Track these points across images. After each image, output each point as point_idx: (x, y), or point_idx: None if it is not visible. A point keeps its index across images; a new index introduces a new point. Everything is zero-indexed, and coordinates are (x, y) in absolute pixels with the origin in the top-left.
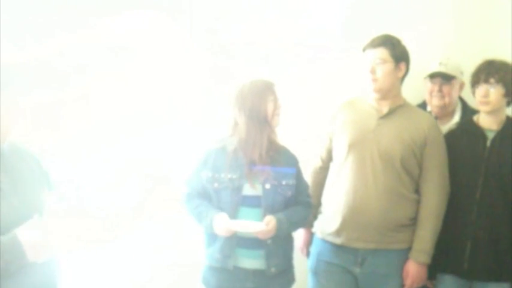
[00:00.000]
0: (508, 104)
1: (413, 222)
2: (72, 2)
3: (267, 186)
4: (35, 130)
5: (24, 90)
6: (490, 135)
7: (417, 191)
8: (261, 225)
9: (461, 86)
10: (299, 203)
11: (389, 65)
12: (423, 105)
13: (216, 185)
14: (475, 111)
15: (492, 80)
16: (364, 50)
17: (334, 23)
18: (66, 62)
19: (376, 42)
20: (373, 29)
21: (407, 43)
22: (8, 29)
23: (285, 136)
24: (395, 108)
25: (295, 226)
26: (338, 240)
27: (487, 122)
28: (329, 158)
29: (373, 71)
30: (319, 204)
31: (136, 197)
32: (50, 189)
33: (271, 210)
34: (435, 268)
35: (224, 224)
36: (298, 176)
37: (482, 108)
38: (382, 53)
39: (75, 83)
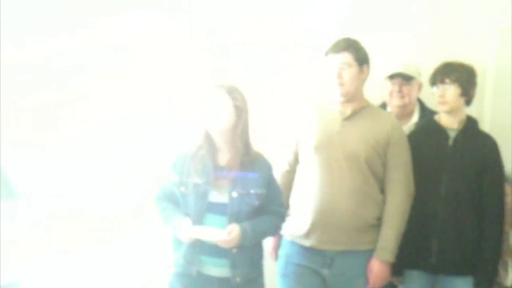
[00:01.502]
0: (467, 103)
1: (380, 222)
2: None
3: (234, 194)
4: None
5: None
6: (452, 134)
7: (383, 190)
8: (223, 233)
9: (420, 86)
10: (269, 213)
11: (354, 69)
12: (383, 107)
13: (182, 189)
14: (432, 112)
15: (448, 80)
16: (326, 54)
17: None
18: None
19: (340, 47)
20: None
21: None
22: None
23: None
24: (359, 109)
25: (262, 236)
26: (307, 243)
27: (448, 122)
28: (296, 161)
29: (339, 76)
30: (287, 207)
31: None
32: (13, 197)
33: (236, 218)
34: (402, 265)
35: (186, 230)
36: (270, 184)
37: (440, 108)
38: (347, 57)
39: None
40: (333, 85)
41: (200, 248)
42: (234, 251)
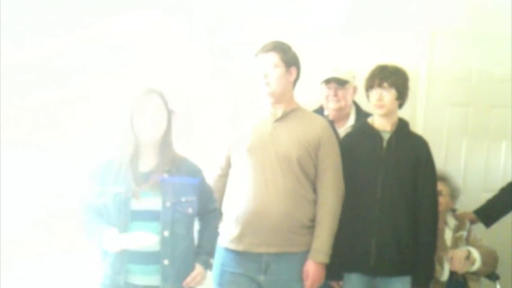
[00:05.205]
0: (400, 106)
1: (313, 223)
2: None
3: (167, 204)
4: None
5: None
6: (386, 136)
7: (315, 190)
8: (153, 237)
9: (354, 89)
10: (208, 211)
11: (281, 70)
12: (320, 110)
13: (102, 199)
14: (368, 114)
15: (385, 85)
16: (256, 55)
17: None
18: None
19: (268, 47)
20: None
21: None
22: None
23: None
24: (289, 111)
25: (214, 247)
26: (240, 247)
27: (382, 124)
28: (228, 166)
29: (265, 76)
30: (220, 212)
31: None
32: None
33: (171, 227)
34: (341, 268)
35: (113, 240)
36: (203, 186)
37: (377, 111)
38: (274, 57)
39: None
40: (261, 85)
41: (128, 256)
42: (166, 262)
